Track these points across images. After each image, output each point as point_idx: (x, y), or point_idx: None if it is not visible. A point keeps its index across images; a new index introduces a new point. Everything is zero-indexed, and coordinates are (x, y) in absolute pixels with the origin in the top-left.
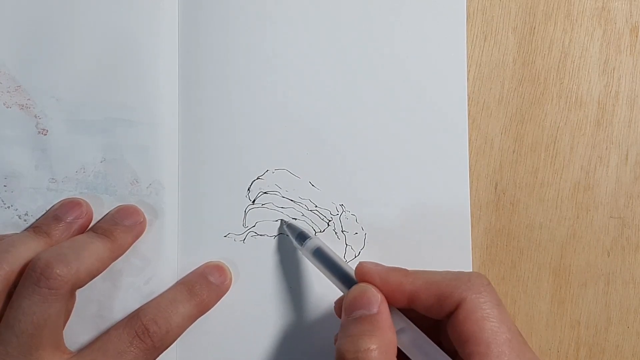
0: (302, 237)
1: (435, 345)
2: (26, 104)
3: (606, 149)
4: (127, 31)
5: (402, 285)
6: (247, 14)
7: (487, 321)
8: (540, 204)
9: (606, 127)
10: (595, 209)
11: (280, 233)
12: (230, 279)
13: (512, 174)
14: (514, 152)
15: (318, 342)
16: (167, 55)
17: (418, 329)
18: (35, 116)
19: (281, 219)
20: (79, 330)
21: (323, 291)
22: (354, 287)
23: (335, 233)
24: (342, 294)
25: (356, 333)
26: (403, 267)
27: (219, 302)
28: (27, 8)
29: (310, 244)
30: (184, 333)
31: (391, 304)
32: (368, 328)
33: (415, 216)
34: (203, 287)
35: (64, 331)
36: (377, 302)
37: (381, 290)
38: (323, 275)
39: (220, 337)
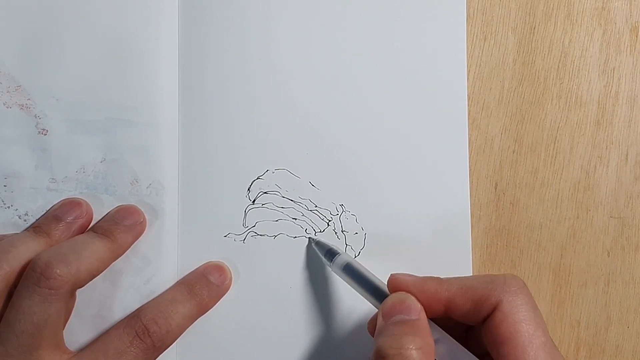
0: (331, 253)
1: (471, 354)
2: (26, 104)
3: (606, 149)
4: (127, 31)
5: (437, 293)
6: (247, 13)
7: (524, 324)
8: (540, 204)
9: (606, 127)
10: (595, 209)
11: (279, 235)
12: (231, 279)
13: (512, 174)
14: (514, 152)
15: (318, 342)
16: (167, 55)
17: (453, 339)
18: (35, 116)
19: (310, 237)
20: (79, 331)
21: (323, 291)
22: (393, 295)
23: (335, 233)
24: (370, 307)
25: (398, 333)
26: (436, 276)
27: (219, 302)
28: (27, 8)
29: (340, 260)
30: (184, 333)
31: (427, 315)
32: (410, 330)
33: (415, 216)
34: (203, 287)
35: (64, 331)
36: (417, 309)
37: (418, 300)
38: (324, 277)
39: (220, 337)
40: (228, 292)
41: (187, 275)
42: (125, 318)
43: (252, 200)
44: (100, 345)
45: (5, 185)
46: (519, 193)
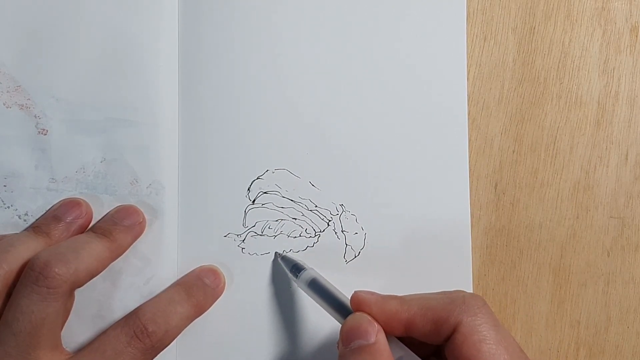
0: (296, 268)
1: None
2: (26, 104)
3: (606, 149)
4: (127, 31)
5: (398, 314)
6: (247, 13)
7: (484, 344)
8: (540, 204)
9: (606, 127)
10: (595, 209)
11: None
12: (224, 283)
13: (512, 174)
14: (514, 152)
15: (316, 343)
16: (167, 55)
17: (416, 356)
18: (35, 116)
19: (276, 251)
20: (78, 331)
21: None
22: (350, 317)
23: (335, 233)
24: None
25: None
26: (397, 295)
27: (219, 302)
28: (27, 8)
29: (306, 275)
30: (182, 333)
31: (388, 333)
32: (367, 358)
33: (415, 216)
34: (199, 289)
35: (63, 331)
36: (374, 331)
37: (377, 320)
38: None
39: (220, 337)
40: (228, 292)
41: (182, 277)
42: (123, 318)
43: (252, 200)
44: (98, 345)
45: (5, 185)
46: (519, 193)
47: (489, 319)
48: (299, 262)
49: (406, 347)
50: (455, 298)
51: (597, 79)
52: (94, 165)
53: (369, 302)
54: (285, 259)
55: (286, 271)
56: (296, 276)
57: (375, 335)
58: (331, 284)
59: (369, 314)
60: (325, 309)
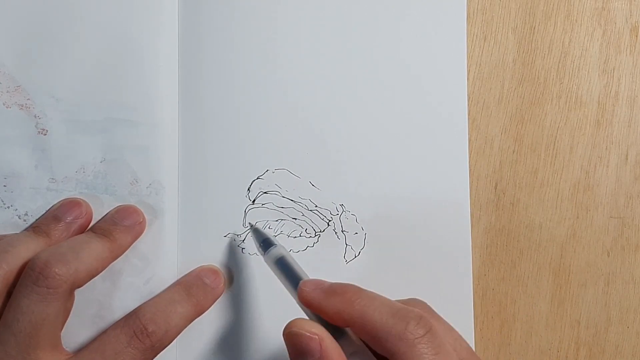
0: (266, 244)
1: None
2: (26, 104)
3: (606, 149)
4: (127, 31)
5: (340, 314)
6: (247, 13)
7: None
8: (540, 204)
9: (606, 127)
10: (595, 209)
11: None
12: (224, 283)
13: (512, 174)
14: (514, 152)
15: None
16: (167, 55)
17: (369, 352)
18: (35, 116)
19: (249, 222)
20: (78, 331)
21: None
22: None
23: (335, 233)
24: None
25: None
26: (352, 285)
27: (219, 302)
28: (27, 8)
29: (274, 252)
30: (182, 334)
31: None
32: None
33: (415, 216)
34: (199, 289)
35: (63, 331)
36: (317, 347)
37: (327, 313)
38: (324, 277)
39: (221, 337)
40: (228, 292)
41: (182, 277)
42: (123, 318)
43: (252, 200)
44: (97, 345)
45: (5, 185)
46: (519, 193)
47: (430, 348)
48: (270, 237)
49: (360, 341)
50: (398, 320)
51: (597, 79)
52: (93, 165)
53: (312, 300)
54: (256, 231)
55: (255, 245)
56: (265, 251)
57: (320, 349)
58: (299, 266)
59: (319, 310)
60: (288, 290)
